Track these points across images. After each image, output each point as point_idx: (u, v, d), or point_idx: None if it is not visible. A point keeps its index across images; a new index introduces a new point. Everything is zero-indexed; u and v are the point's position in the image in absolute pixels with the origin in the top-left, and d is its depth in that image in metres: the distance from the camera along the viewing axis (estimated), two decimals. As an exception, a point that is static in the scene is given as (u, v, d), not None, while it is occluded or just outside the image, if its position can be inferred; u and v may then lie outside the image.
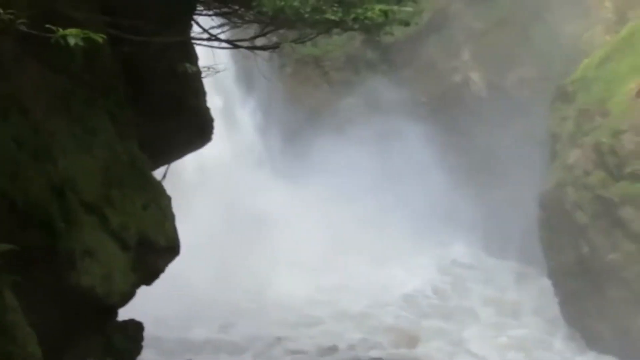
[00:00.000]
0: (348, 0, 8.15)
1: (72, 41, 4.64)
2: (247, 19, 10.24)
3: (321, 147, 22.34)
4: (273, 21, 8.89)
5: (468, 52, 23.42)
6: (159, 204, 9.10)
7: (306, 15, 8.10)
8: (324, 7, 8.00)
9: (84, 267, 7.54)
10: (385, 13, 8.07)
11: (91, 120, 8.16)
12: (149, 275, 9.26)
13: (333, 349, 17.47)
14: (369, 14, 7.97)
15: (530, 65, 22.06)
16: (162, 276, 9.72)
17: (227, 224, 19.34)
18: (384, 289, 20.59)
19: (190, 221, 12.68)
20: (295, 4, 7.70)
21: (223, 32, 11.09)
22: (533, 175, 19.40)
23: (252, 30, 10.59)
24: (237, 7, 10.44)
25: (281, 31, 9.98)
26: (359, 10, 8.00)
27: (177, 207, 9.65)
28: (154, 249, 8.92)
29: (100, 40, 4.72)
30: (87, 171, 7.79)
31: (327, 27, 8.61)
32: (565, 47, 20.81)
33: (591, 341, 17.12)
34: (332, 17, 8.02)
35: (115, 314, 9.15)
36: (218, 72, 11.32)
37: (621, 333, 16.16)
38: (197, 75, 11.03)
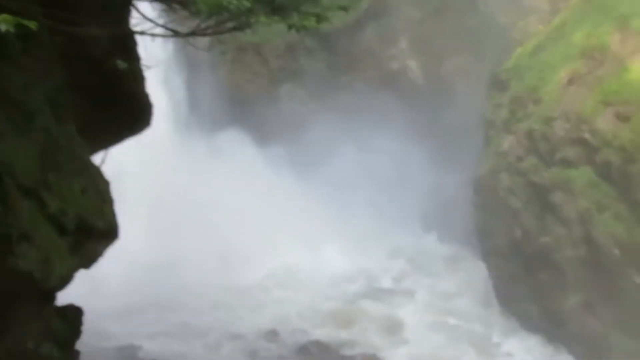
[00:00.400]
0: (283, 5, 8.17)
1: (3, 27, 4.81)
2: (188, 5, 10.18)
3: (261, 134, 22.42)
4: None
5: (405, 41, 23.69)
6: (97, 188, 9.10)
7: (243, 18, 8.16)
8: (259, 11, 8.02)
9: (22, 251, 7.51)
10: (319, 17, 8.15)
11: (29, 104, 8.10)
12: (88, 259, 9.26)
13: (273, 333, 17.63)
14: (305, 23, 8.04)
15: (466, 54, 22.34)
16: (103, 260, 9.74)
17: (170, 208, 19.32)
18: (325, 274, 20.81)
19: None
20: (232, 7, 7.72)
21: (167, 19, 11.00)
22: (469, 161, 19.76)
23: (193, 16, 10.54)
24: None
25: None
26: (295, 19, 8.05)
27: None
28: (92, 234, 8.88)
29: (33, 27, 4.84)
30: (24, 155, 7.73)
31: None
32: (500, 37, 21.16)
33: (524, 322, 17.48)
34: (268, 22, 8.09)
35: (54, 298, 9.14)
36: (150, 67, 11.28)
37: (551, 314, 16.55)
38: (135, 61, 10.97)
